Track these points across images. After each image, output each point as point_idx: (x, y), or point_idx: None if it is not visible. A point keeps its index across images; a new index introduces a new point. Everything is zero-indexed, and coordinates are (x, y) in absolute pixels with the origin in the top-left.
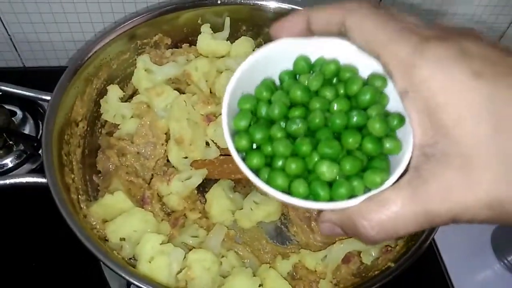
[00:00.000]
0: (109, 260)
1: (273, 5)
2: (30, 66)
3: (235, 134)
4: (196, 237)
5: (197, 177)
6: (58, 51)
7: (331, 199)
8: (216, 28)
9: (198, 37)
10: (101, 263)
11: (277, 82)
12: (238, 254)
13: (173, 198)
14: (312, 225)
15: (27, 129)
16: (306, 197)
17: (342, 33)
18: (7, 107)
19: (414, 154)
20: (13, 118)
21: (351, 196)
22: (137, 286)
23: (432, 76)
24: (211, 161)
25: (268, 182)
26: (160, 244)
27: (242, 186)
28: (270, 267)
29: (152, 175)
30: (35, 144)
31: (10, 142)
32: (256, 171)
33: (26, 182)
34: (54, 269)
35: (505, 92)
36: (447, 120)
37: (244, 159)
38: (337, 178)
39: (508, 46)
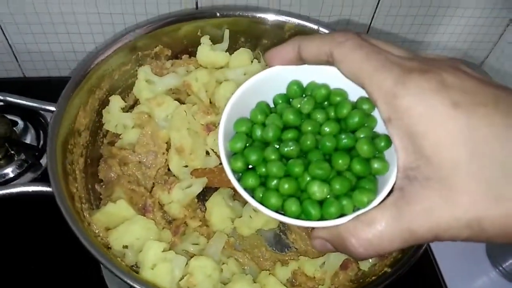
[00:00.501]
0: (114, 267)
1: (271, 17)
2: (31, 76)
3: (231, 156)
4: (197, 244)
5: (198, 186)
6: (58, 61)
7: (322, 217)
8: (215, 40)
9: (198, 48)
10: (103, 270)
11: (272, 105)
12: (238, 261)
13: (174, 206)
14: (310, 231)
15: (28, 139)
16: (298, 216)
17: (330, 63)
18: (8, 117)
19: (398, 176)
20: (14, 128)
21: (341, 214)
22: None
23: (413, 106)
24: (211, 170)
25: (262, 201)
26: (162, 251)
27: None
28: (269, 274)
29: (154, 183)
30: (37, 154)
31: (12, 152)
32: (251, 191)
33: (32, 191)
34: (54, 274)
35: (481, 121)
36: (427, 147)
37: (239, 180)
38: (328, 197)
39: (485, 76)
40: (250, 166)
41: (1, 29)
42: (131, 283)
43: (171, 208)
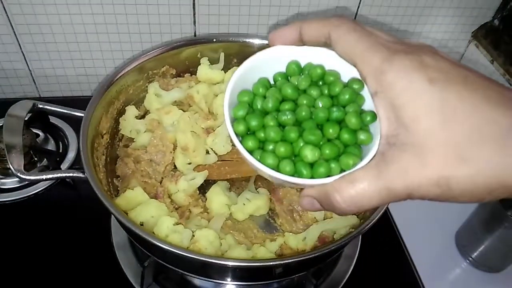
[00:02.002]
0: (141, 230)
1: (257, 42)
2: (45, 97)
3: (234, 121)
4: (199, 226)
5: (200, 177)
6: (72, 83)
7: (312, 177)
8: (212, 61)
9: (198, 67)
10: (117, 254)
11: (272, 82)
12: (235, 238)
13: (180, 195)
14: (294, 215)
15: (49, 148)
16: (291, 175)
17: (327, 44)
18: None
19: (381, 142)
20: (37, 139)
21: (329, 175)
22: (158, 255)
23: (396, 81)
24: (210, 166)
25: (260, 161)
26: (173, 224)
27: (236, 187)
28: (260, 246)
29: (162, 178)
30: (57, 159)
31: (35, 159)
32: (250, 153)
33: (70, 176)
34: (71, 260)
35: (452, 95)
36: (406, 117)
37: (241, 142)
38: (318, 160)
39: (457, 59)
40: (250, 133)
41: (24, 57)
42: (154, 242)
43: (177, 197)
